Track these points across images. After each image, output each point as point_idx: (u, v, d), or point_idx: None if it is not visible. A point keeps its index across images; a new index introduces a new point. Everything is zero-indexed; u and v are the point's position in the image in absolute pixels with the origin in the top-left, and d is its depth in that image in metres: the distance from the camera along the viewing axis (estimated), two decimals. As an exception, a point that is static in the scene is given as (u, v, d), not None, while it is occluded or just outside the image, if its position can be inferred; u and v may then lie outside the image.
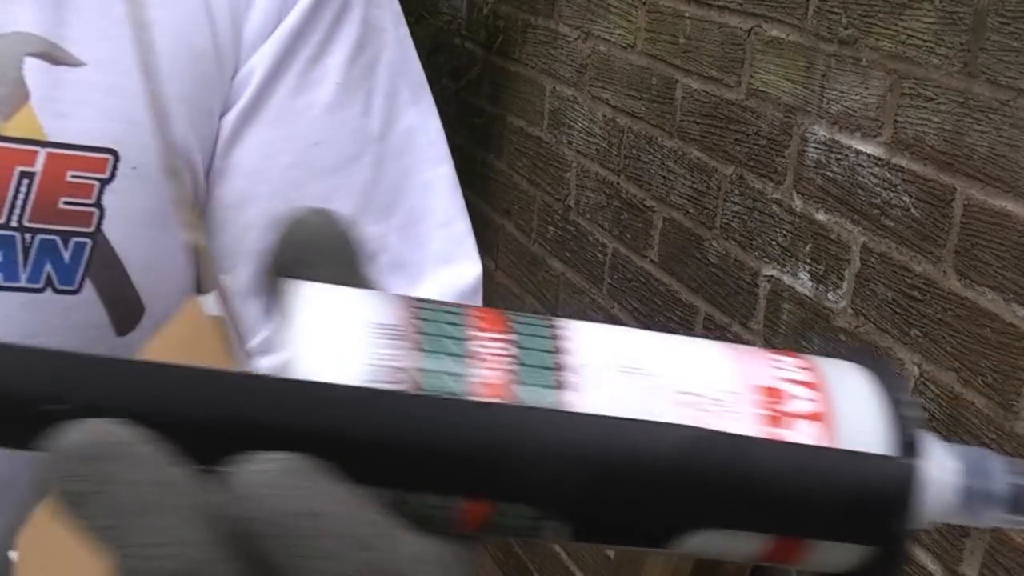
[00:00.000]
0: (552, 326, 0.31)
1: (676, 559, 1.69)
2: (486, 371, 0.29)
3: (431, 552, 0.29)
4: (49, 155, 0.60)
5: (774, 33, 1.63)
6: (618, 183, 2.03)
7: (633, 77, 1.96)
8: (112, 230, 0.62)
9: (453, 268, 0.70)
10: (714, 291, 1.78)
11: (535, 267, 2.31)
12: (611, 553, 2.05)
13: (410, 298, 0.31)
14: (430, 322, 0.30)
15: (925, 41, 1.36)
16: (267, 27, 0.65)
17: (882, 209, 1.44)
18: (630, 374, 0.30)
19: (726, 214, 1.75)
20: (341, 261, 0.33)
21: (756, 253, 1.68)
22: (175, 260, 0.67)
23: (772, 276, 1.65)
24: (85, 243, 0.62)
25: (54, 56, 0.61)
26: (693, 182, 1.82)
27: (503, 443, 0.29)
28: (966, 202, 1.31)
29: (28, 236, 0.61)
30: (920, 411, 0.33)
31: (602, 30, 2.05)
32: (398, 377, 0.29)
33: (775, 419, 0.31)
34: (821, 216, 1.55)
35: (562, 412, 0.29)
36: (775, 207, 1.64)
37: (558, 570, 2.27)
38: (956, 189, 1.33)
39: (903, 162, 1.40)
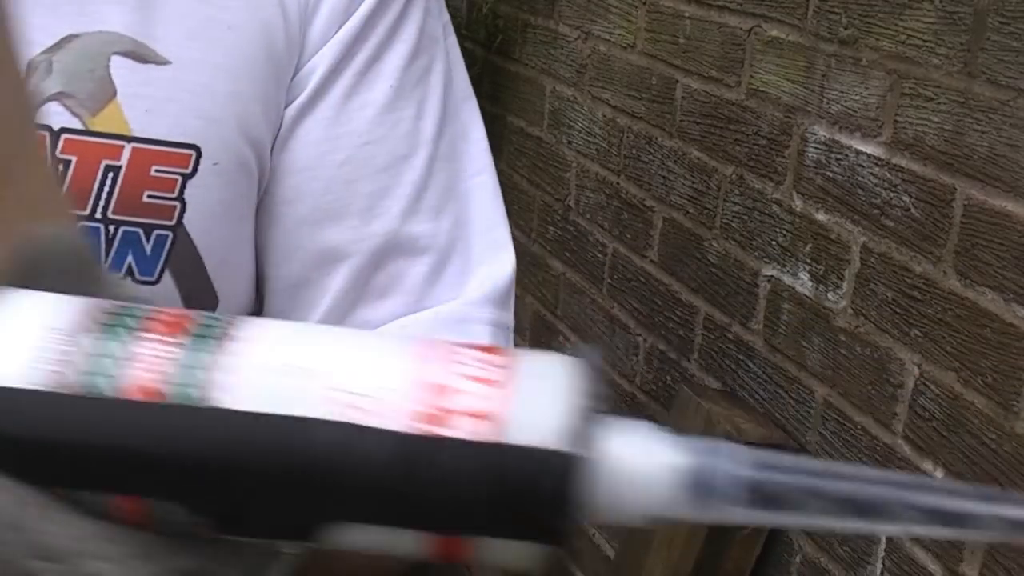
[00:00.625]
0: (229, 326, 0.33)
1: (676, 559, 1.69)
2: (142, 372, 0.31)
3: (95, 530, 0.30)
4: (135, 150, 0.63)
5: (774, 33, 1.63)
6: (618, 183, 2.03)
7: (633, 77, 1.96)
8: (192, 223, 0.64)
9: (490, 268, 0.72)
10: (714, 291, 1.78)
11: (535, 267, 2.31)
12: (611, 553, 2.05)
13: (102, 303, 0.33)
14: (107, 326, 0.32)
15: (925, 41, 1.36)
16: (331, 28, 0.67)
17: (882, 209, 1.44)
18: (287, 373, 0.31)
19: (726, 214, 1.75)
20: (73, 273, 0.35)
21: (756, 253, 1.68)
22: (246, 253, 0.70)
23: (772, 276, 1.65)
24: (167, 236, 0.64)
25: (140, 54, 0.63)
26: (693, 182, 1.82)
27: (134, 440, 0.30)
28: (966, 202, 1.31)
29: (112, 228, 0.63)
30: (604, 405, 0.32)
31: (602, 30, 2.05)
32: (55, 378, 0.31)
33: (434, 416, 0.31)
34: (821, 216, 1.55)
35: (199, 409, 0.31)
36: (775, 207, 1.64)
37: (558, 570, 2.27)
38: (956, 189, 1.33)
39: (903, 162, 1.40)
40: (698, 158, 1.81)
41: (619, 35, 2.00)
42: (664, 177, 1.90)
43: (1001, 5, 1.26)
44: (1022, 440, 1.25)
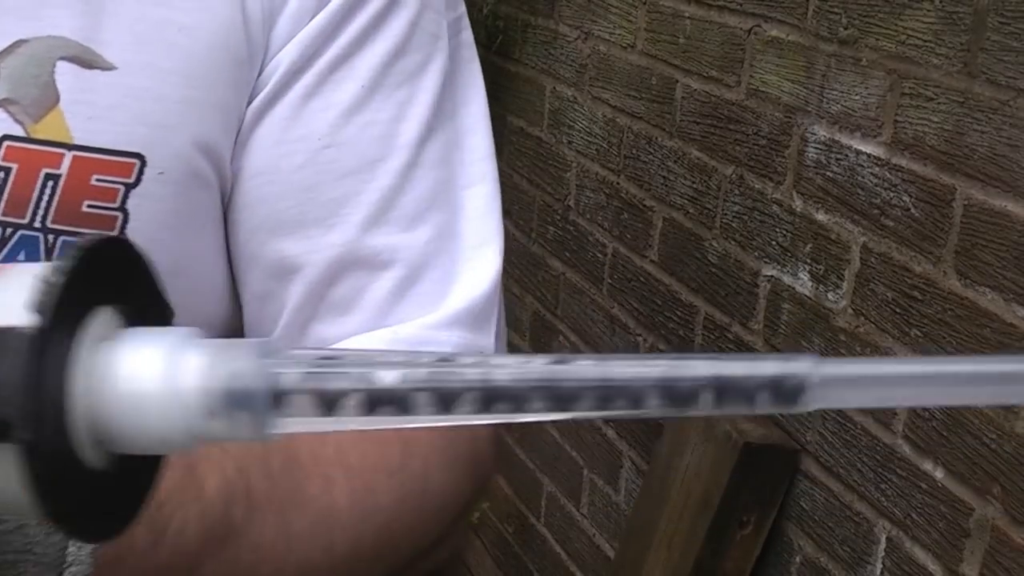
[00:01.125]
0: None
1: (676, 559, 1.69)
2: None
3: None
4: (75, 158, 0.60)
5: (774, 33, 1.63)
6: (618, 183, 2.03)
7: (633, 77, 1.96)
8: (137, 234, 0.61)
9: (466, 287, 0.67)
10: (714, 291, 1.78)
11: (535, 267, 2.31)
12: (611, 553, 2.05)
13: None
14: None
15: (925, 41, 1.36)
16: (298, 25, 0.64)
17: (882, 209, 1.44)
18: None
19: (726, 214, 1.75)
20: None
21: (756, 253, 1.68)
22: (205, 263, 0.66)
23: (772, 276, 1.65)
24: None
25: (86, 60, 0.61)
26: (693, 182, 1.82)
27: None
28: (966, 202, 1.31)
29: (51, 237, 0.61)
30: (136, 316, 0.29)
31: (602, 30, 2.05)
32: None
33: None
34: (821, 216, 1.55)
35: None
36: (775, 207, 1.64)
37: (558, 570, 2.27)
38: (956, 189, 1.33)
39: (903, 162, 1.40)
40: (698, 158, 1.81)
41: (619, 35, 2.00)
42: (664, 177, 1.90)
43: (1001, 5, 1.26)
44: (1022, 440, 1.25)
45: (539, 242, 2.29)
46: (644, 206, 1.96)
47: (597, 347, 2.11)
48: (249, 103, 0.64)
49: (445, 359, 0.29)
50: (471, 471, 0.66)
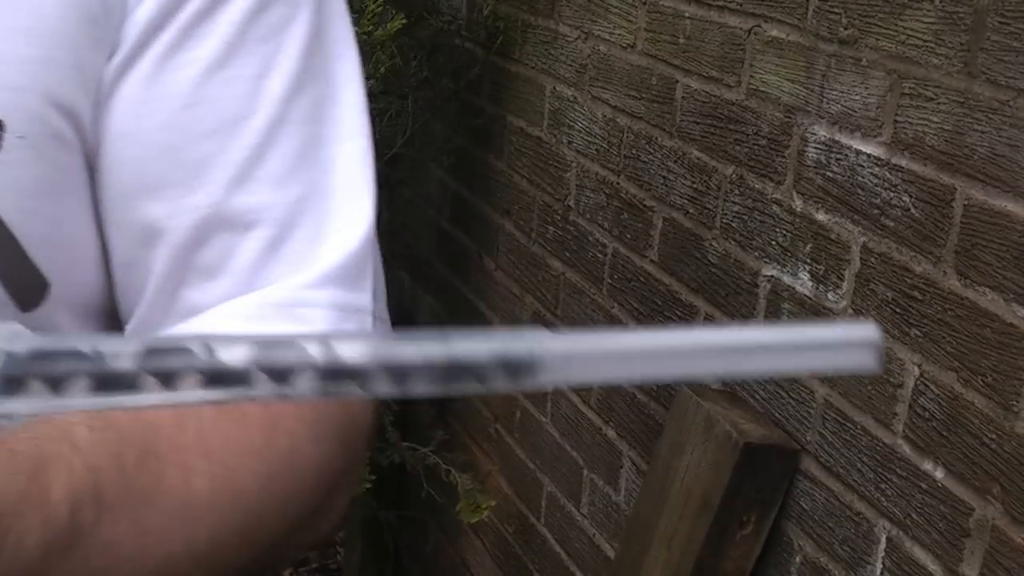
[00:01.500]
0: None
1: (676, 559, 1.69)
2: None
3: None
4: None
5: (774, 33, 1.63)
6: (618, 183, 2.03)
7: (633, 77, 1.96)
8: (2, 202, 0.59)
9: (337, 243, 0.65)
10: (714, 291, 1.78)
11: (535, 267, 2.31)
12: (611, 553, 2.05)
13: None
14: None
15: (925, 41, 1.36)
16: None
17: (882, 209, 1.44)
18: None
19: (726, 214, 1.75)
20: None
21: (756, 253, 1.68)
22: (76, 231, 0.64)
23: (772, 276, 1.65)
24: None
25: None
26: (693, 182, 1.82)
27: None
28: (966, 202, 1.31)
29: None
30: None
31: (602, 30, 2.05)
32: None
33: None
34: (821, 216, 1.55)
35: None
36: (775, 207, 1.64)
37: (558, 570, 2.27)
38: (956, 189, 1.33)
39: (903, 162, 1.40)
40: (698, 158, 1.81)
41: (619, 35, 2.00)
42: (664, 177, 1.90)
43: (1001, 5, 1.26)
44: (1022, 440, 1.25)
45: (539, 242, 2.29)
46: (644, 206, 1.96)
47: (597, 347, 2.11)
48: (109, 62, 0.61)
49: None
50: (344, 441, 0.64)
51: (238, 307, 0.63)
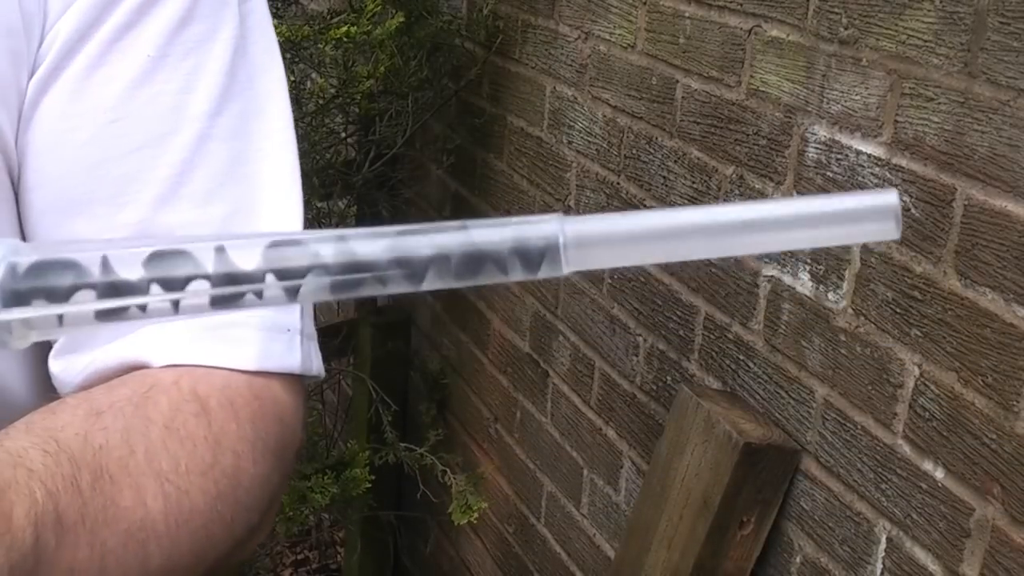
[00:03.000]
0: None
1: (676, 559, 1.69)
2: None
3: None
4: None
5: (774, 33, 1.63)
6: (618, 183, 2.03)
7: (633, 77, 1.96)
8: None
9: None
10: (714, 291, 1.78)
11: (535, 267, 2.31)
12: (611, 553, 2.05)
13: None
14: None
15: (925, 41, 1.36)
16: None
17: (882, 209, 1.44)
18: None
19: (726, 214, 1.74)
20: None
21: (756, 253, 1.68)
22: None
23: (772, 276, 1.65)
24: None
25: None
26: (693, 182, 1.82)
27: None
28: (966, 202, 1.31)
29: None
30: None
31: (602, 30, 2.05)
32: None
33: None
34: (821, 216, 1.55)
35: None
36: (775, 207, 1.64)
37: (558, 570, 2.27)
38: (956, 189, 1.33)
39: (903, 162, 1.40)
40: (698, 158, 1.81)
41: (619, 35, 2.00)
42: (664, 177, 1.90)
43: (1001, 5, 1.26)
44: (1022, 440, 1.25)
45: (539, 242, 2.29)
46: (644, 206, 1.96)
47: (598, 347, 2.11)
48: (31, 77, 0.60)
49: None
50: (281, 458, 0.65)
51: (166, 329, 0.62)
